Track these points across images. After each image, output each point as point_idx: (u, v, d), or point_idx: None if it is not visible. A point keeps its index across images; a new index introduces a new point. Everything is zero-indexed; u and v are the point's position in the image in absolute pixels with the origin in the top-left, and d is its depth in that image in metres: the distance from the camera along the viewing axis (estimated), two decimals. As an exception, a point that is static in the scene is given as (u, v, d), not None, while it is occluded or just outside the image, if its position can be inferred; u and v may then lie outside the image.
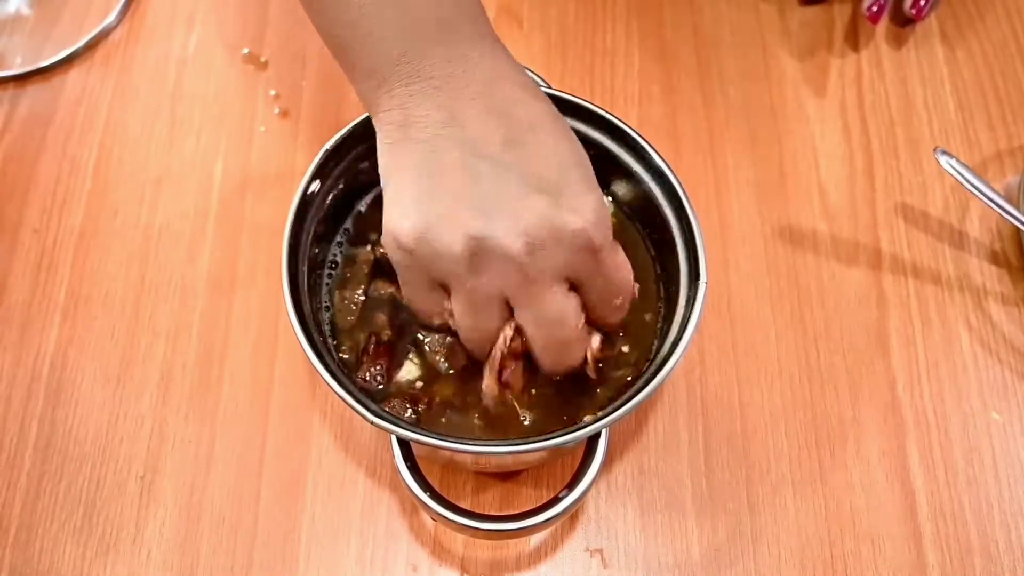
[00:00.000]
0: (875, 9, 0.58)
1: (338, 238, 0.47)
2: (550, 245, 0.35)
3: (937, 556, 0.46)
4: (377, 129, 0.38)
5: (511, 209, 0.35)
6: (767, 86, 0.59)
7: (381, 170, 0.38)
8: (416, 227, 0.36)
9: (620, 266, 0.38)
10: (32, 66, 0.59)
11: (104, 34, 0.61)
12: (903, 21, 0.61)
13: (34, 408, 0.49)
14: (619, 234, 0.46)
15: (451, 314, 0.39)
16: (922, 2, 0.58)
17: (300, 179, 0.43)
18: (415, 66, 0.36)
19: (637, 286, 0.40)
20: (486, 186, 0.35)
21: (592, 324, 0.40)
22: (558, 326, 0.37)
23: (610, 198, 0.47)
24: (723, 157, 0.57)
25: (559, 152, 0.36)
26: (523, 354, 0.40)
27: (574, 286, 0.37)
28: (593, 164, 0.39)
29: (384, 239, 0.38)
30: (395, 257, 0.38)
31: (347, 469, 0.47)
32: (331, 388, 0.38)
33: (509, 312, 0.37)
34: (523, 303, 0.37)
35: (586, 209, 0.36)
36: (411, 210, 0.36)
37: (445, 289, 0.38)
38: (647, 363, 0.42)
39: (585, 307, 0.38)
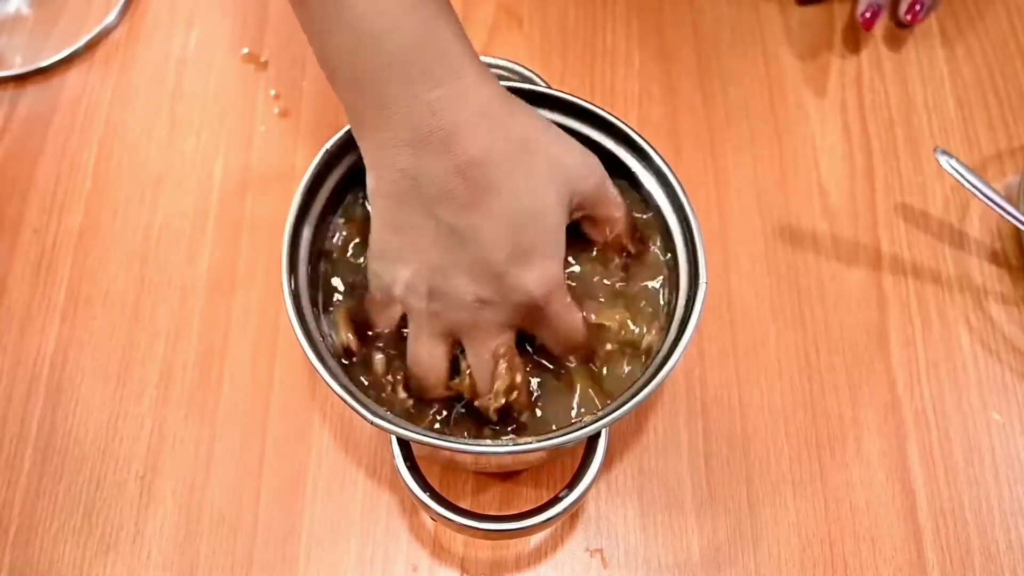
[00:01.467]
0: (868, 15, 0.58)
1: (339, 237, 0.46)
2: (497, 303, 0.39)
3: (937, 556, 0.46)
4: (364, 160, 0.41)
5: (467, 271, 0.39)
6: (767, 86, 0.59)
7: (369, 200, 0.42)
8: (388, 267, 0.41)
9: (566, 320, 0.41)
10: (32, 66, 0.59)
11: (104, 34, 0.61)
12: (898, 21, 0.61)
13: (34, 408, 0.49)
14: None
15: (396, 324, 0.43)
16: (917, 7, 0.58)
17: (300, 179, 0.43)
18: (381, 115, 0.38)
19: (583, 336, 0.42)
20: (444, 247, 0.39)
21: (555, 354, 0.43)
22: (492, 363, 0.41)
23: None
24: (723, 157, 0.57)
25: (514, 214, 0.38)
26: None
27: (525, 331, 0.42)
28: None
29: (368, 262, 0.43)
30: (372, 281, 0.43)
31: (347, 469, 0.48)
32: (331, 388, 0.38)
33: (453, 351, 0.42)
34: (468, 342, 0.41)
35: (533, 276, 0.39)
36: (384, 256, 0.41)
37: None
38: (647, 363, 0.42)
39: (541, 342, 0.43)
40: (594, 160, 0.42)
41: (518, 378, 0.41)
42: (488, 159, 0.38)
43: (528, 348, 0.43)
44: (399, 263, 0.40)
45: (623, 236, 0.44)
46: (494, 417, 0.41)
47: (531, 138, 0.39)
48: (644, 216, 0.45)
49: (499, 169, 0.38)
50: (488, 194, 0.38)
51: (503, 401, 0.41)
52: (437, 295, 0.39)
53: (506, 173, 0.38)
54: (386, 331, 0.43)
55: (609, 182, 0.43)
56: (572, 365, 0.43)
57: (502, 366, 0.40)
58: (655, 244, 0.45)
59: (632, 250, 0.44)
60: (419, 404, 0.42)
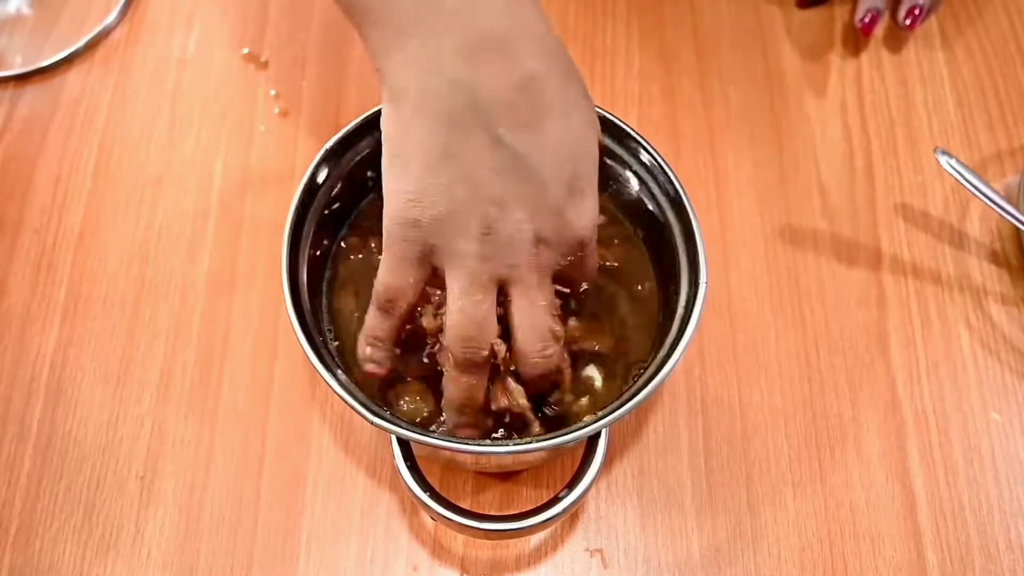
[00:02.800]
0: (867, 21, 0.58)
1: (339, 237, 0.47)
2: (553, 242, 0.37)
3: (937, 556, 0.46)
4: (384, 88, 0.36)
5: (526, 203, 0.36)
6: (767, 86, 0.59)
7: (387, 139, 0.36)
8: (431, 206, 0.35)
9: (593, 262, 0.40)
10: (32, 66, 0.59)
11: (104, 34, 0.61)
12: (897, 24, 0.61)
13: (34, 408, 0.49)
14: (618, 232, 0.46)
15: (424, 299, 0.39)
16: (916, 11, 0.58)
17: (300, 179, 0.43)
18: (433, 20, 0.34)
19: (595, 273, 0.42)
20: (505, 176, 0.35)
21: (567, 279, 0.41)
22: (544, 316, 0.38)
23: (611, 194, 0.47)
24: (723, 157, 0.57)
25: (571, 143, 0.36)
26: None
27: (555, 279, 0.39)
28: None
29: (391, 213, 0.36)
30: (401, 232, 0.36)
31: (347, 469, 0.47)
32: (331, 388, 0.38)
33: (497, 300, 0.37)
34: (520, 289, 0.37)
35: (588, 213, 0.37)
36: (430, 192, 0.35)
37: (435, 273, 0.38)
38: (647, 363, 0.42)
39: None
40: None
41: (561, 337, 0.39)
42: (545, 78, 0.35)
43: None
44: (447, 198, 0.35)
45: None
46: (530, 390, 0.39)
47: (574, 69, 0.38)
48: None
49: (555, 92, 0.36)
50: (548, 117, 0.35)
51: (546, 369, 0.38)
52: (492, 235, 0.35)
53: (561, 97, 0.36)
54: (404, 306, 0.38)
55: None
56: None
57: (554, 324, 0.38)
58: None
59: None
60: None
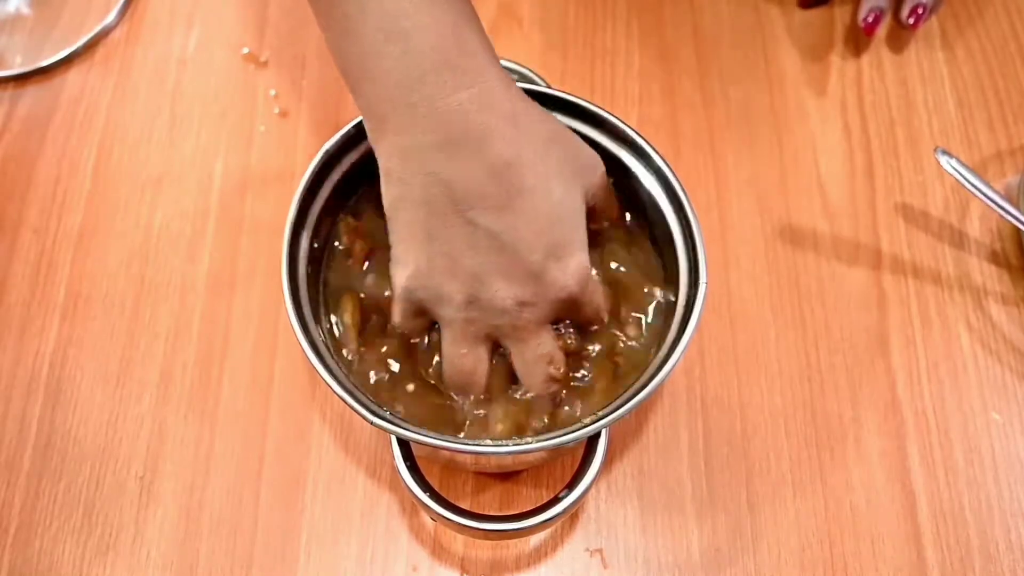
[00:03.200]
0: (870, 20, 0.58)
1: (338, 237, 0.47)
2: (538, 302, 0.39)
3: (937, 556, 0.46)
4: (383, 170, 0.40)
5: (504, 274, 0.38)
6: (767, 86, 0.59)
7: (386, 209, 0.40)
8: (420, 279, 0.40)
9: (595, 300, 0.42)
10: (32, 66, 0.59)
11: (104, 34, 0.61)
12: (900, 24, 0.61)
13: (34, 408, 0.49)
14: (618, 232, 0.46)
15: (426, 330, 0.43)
16: (919, 10, 0.58)
17: (300, 179, 0.43)
18: (410, 116, 0.37)
19: (606, 308, 0.43)
20: (481, 251, 0.38)
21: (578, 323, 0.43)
22: (543, 361, 0.41)
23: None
24: (723, 157, 0.57)
25: (547, 212, 0.39)
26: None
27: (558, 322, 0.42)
28: None
29: (393, 275, 0.41)
30: (398, 292, 0.41)
31: (347, 469, 0.47)
32: (331, 388, 0.38)
33: (494, 348, 0.41)
34: (511, 344, 0.41)
35: (569, 271, 0.39)
36: (414, 262, 0.39)
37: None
38: (647, 364, 0.42)
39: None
40: (596, 155, 0.43)
41: (565, 372, 0.42)
42: (520, 160, 0.38)
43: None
44: (433, 275, 0.39)
45: (614, 215, 0.46)
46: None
47: (552, 138, 0.40)
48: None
49: (528, 170, 0.38)
50: (521, 195, 0.38)
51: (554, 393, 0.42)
52: (475, 303, 0.39)
53: (535, 173, 0.38)
54: (413, 338, 0.43)
55: (605, 174, 0.43)
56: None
57: (551, 369, 0.41)
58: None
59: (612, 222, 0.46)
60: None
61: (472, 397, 0.42)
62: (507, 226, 0.38)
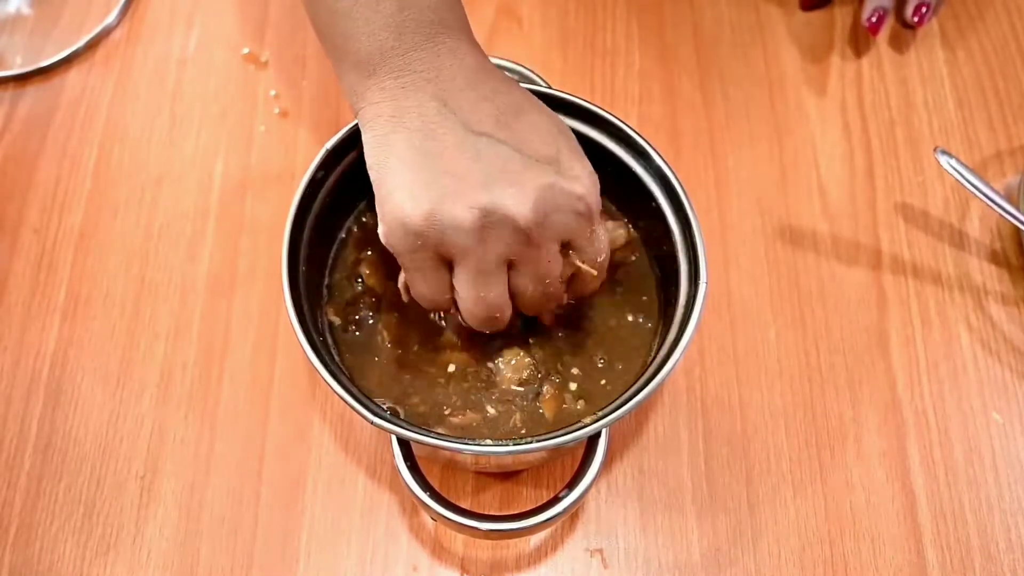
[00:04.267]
0: (875, 20, 0.58)
1: (339, 237, 0.47)
2: (554, 211, 0.37)
3: (937, 556, 0.46)
4: (364, 124, 0.39)
5: (515, 181, 0.36)
6: (767, 86, 0.59)
7: (371, 165, 0.38)
8: (424, 209, 0.36)
9: (601, 234, 0.41)
10: (32, 66, 0.59)
11: (104, 34, 0.61)
12: (904, 22, 0.61)
13: (34, 408, 0.49)
14: (619, 233, 0.46)
15: (452, 293, 0.40)
16: (924, 9, 0.58)
17: (300, 179, 0.43)
18: (406, 59, 0.38)
19: (608, 256, 0.42)
20: (487, 162, 0.37)
21: (574, 294, 0.42)
22: (548, 285, 0.39)
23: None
24: (723, 157, 0.57)
25: (548, 128, 0.39)
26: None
27: (564, 248, 0.40)
28: (593, 164, 0.39)
29: (388, 229, 0.37)
30: (402, 244, 0.38)
31: (347, 469, 0.47)
32: (331, 388, 0.38)
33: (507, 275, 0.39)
34: (525, 264, 0.38)
35: (583, 177, 0.38)
36: (417, 194, 0.36)
37: (450, 267, 0.39)
38: (647, 363, 0.42)
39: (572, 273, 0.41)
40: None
41: (561, 294, 0.41)
42: (512, 94, 0.39)
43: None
44: (439, 198, 0.36)
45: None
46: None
47: (534, 98, 0.41)
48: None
49: (523, 96, 0.39)
50: (521, 112, 0.38)
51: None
52: (490, 221, 0.36)
53: (530, 100, 0.39)
54: (445, 303, 0.40)
55: None
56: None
57: (551, 286, 0.39)
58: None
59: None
60: None
61: (500, 326, 0.40)
62: (511, 134, 0.38)
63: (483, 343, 0.44)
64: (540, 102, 0.40)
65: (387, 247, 0.38)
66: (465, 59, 0.39)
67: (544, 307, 0.41)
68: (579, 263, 0.40)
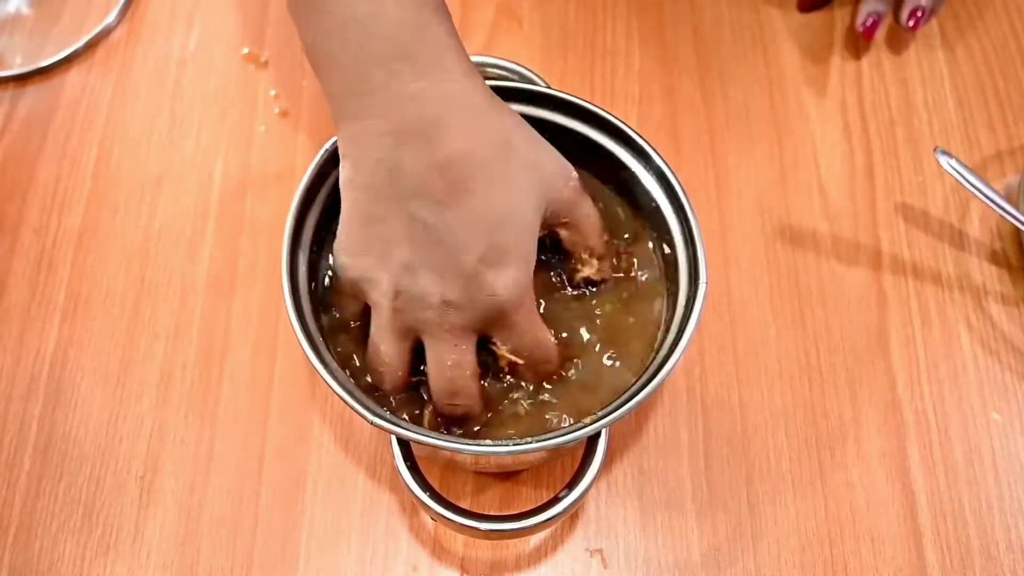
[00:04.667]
0: (869, 24, 0.58)
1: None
2: (464, 306, 0.39)
3: (937, 556, 0.46)
4: (340, 154, 0.40)
5: (435, 269, 0.38)
6: (767, 86, 0.59)
7: (341, 191, 0.41)
8: (356, 260, 0.40)
9: (531, 330, 0.41)
10: (32, 66, 0.59)
11: (104, 34, 0.61)
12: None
13: (34, 408, 0.49)
14: (618, 233, 0.46)
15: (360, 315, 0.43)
16: (919, 13, 0.58)
17: (300, 179, 0.43)
18: (367, 100, 0.38)
19: (550, 350, 0.42)
20: (417, 244, 0.38)
21: (524, 378, 0.42)
22: (451, 371, 0.40)
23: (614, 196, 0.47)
24: (723, 157, 0.57)
25: (490, 215, 0.38)
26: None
27: (489, 338, 0.41)
28: (593, 164, 0.39)
29: (333, 266, 0.42)
30: (339, 271, 0.42)
31: (347, 469, 0.47)
32: (331, 388, 0.38)
33: (414, 350, 0.41)
34: (429, 342, 0.40)
35: (502, 281, 0.38)
36: (353, 247, 0.40)
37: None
38: (647, 363, 0.42)
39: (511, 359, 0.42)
40: (569, 166, 0.42)
41: (472, 389, 0.41)
42: (469, 157, 0.38)
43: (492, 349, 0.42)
44: (367, 257, 0.39)
45: (593, 242, 0.43)
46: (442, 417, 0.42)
47: (512, 141, 0.39)
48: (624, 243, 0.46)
49: (478, 169, 0.38)
50: (465, 193, 0.38)
51: (454, 410, 0.41)
52: (403, 293, 0.39)
53: (485, 174, 0.38)
54: (351, 322, 0.43)
55: (584, 191, 0.42)
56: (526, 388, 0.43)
57: (456, 373, 0.40)
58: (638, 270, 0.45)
59: (602, 276, 0.44)
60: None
61: (386, 388, 0.42)
62: (445, 223, 0.38)
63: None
64: (499, 164, 0.39)
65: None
66: (427, 101, 0.37)
67: (449, 403, 0.41)
68: (502, 352, 0.41)
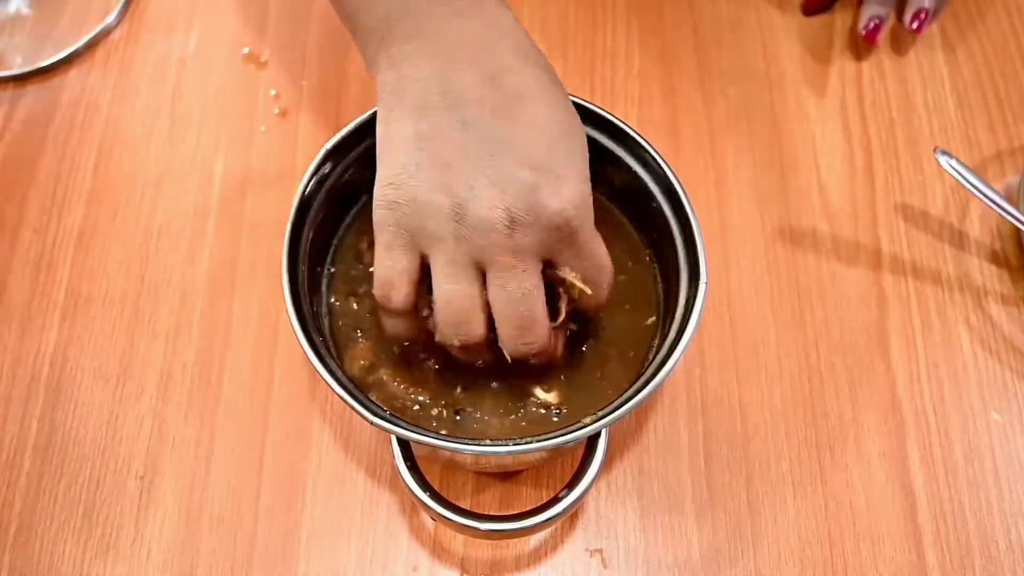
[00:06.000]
0: (871, 27, 0.58)
1: (339, 237, 0.47)
2: (529, 223, 0.36)
3: (937, 556, 0.46)
4: (378, 97, 0.38)
5: (497, 183, 0.35)
6: (767, 86, 0.59)
7: (378, 138, 0.38)
8: (408, 194, 0.36)
9: (595, 251, 0.38)
10: (32, 66, 0.59)
11: (104, 34, 0.61)
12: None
13: (34, 408, 0.49)
14: (618, 233, 0.46)
15: (414, 290, 0.39)
16: (922, 15, 0.58)
17: (300, 179, 0.43)
18: (413, 23, 0.37)
19: (610, 274, 0.39)
20: (474, 157, 0.36)
21: (580, 314, 0.40)
22: (522, 303, 0.37)
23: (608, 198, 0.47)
24: (723, 157, 0.57)
25: (549, 126, 0.37)
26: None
27: (551, 264, 0.38)
28: (593, 164, 0.39)
29: (375, 199, 0.37)
30: (383, 217, 0.37)
31: (347, 469, 0.47)
32: (331, 388, 0.38)
33: (482, 282, 0.37)
34: (495, 273, 0.36)
35: (567, 192, 0.36)
36: (403, 173, 0.36)
37: (423, 262, 0.38)
38: (647, 363, 0.42)
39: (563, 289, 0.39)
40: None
41: (545, 322, 0.38)
42: (520, 71, 0.37)
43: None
44: (421, 182, 0.36)
45: None
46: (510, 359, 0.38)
47: (550, 66, 0.39)
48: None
49: (531, 81, 0.37)
50: (522, 102, 0.36)
51: (529, 349, 0.38)
52: (466, 215, 0.35)
53: (538, 86, 0.37)
54: (400, 299, 0.38)
55: None
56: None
57: (527, 305, 0.37)
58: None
59: None
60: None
61: (474, 338, 0.38)
62: (503, 132, 0.36)
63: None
64: (553, 85, 0.38)
65: (374, 223, 0.38)
66: (477, 25, 0.37)
67: (520, 340, 0.38)
68: (565, 276, 0.38)
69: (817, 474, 0.48)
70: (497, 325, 0.37)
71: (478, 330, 0.38)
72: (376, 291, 0.39)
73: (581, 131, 0.38)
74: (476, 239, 0.36)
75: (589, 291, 0.38)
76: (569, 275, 0.38)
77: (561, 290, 0.39)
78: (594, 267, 0.38)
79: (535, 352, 0.38)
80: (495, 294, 0.37)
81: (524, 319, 0.37)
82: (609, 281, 0.40)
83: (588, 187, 0.37)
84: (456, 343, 0.38)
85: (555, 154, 0.36)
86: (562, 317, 0.39)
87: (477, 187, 0.35)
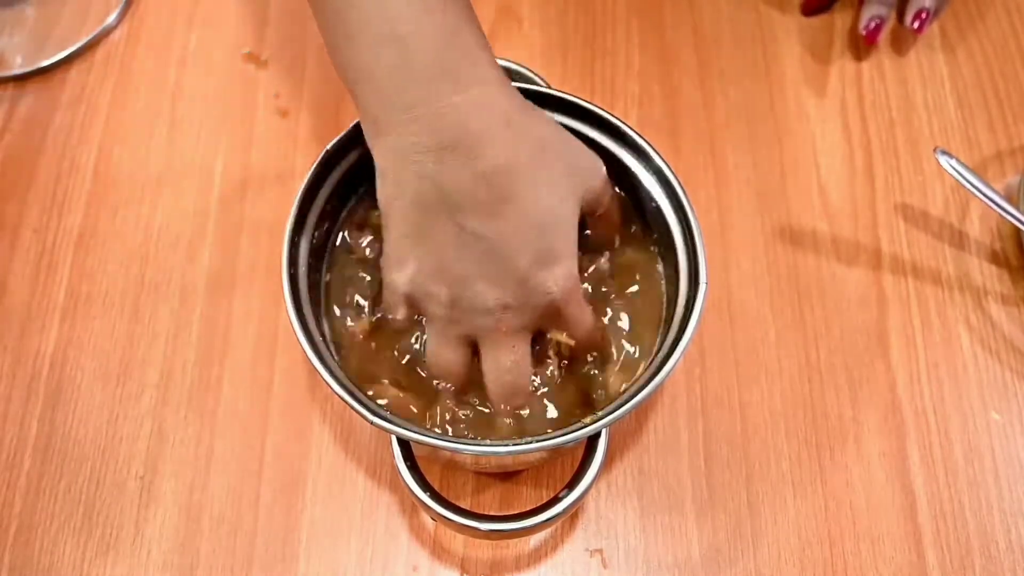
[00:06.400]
0: (872, 28, 0.58)
1: (339, 237, 0.46)
2: (520, 307, 0.39)
3: (937, 556, 0.46)
4: (376, 167, 0.40)
5: (491, 277, 0.39)
6: (767, 86, 0.59)
7: (381, 207, 0.41)
8: (410, 280, 0.40)
9: (580, 317, 0.41)
10: (32, 66, 0.59)
11: (104, 34, 0.61)
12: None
13: (34, 408, 0.49)
14: (619, 234, 0.46)
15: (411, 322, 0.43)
16: (923, 15, 0.58)
17: (300, 179, 0.43)
18: (405, 117, 0.38)
19: (597, 331, 0.43)
20: (468, 261, 0.39)
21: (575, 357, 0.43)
22: (510, 372, 0.41)
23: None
24: (723, 157, 0.57)
25: (537, 215, 0.39)
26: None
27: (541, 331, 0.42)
28: None
29: (384, 263, 0.42)
30: (387, 280, 0.42)
31: (347, 469, 0.47)
32: (331, 388, 0.38)
33: (472, 352, 0.42)
34: (487, 347, 0.41)
35: (554, 280, 0.39)
36: (405, 257, 0.40)
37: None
38: (647, 363, 0.42)
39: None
40: (598, 158, 0.43)
41: (528, 387, 0.42)
42: (511, 166, 0.38)
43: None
44: (419, 272, 0.40)
45: (615, 225, 0.45)
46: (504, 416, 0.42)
47: (548, 143, 0.40)
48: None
49: (522, 176, 0.38)
50: (511, 201, 0.38)
51: (514, 409, 0.42)
52: (459, 303, 0.39)
53: (528, 179, 0.39)
54: (400, 319, 0.43)
55: (607, 178, 0.43)
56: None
57: (515, 375, 0.41)
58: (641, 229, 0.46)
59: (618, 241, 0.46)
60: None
61: (452, 387, 0.42)
62: (495, 232, 0.38)
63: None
64: (544, 156, 0.39)
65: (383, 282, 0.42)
66: (466, 122, 0.37)
67: (507, 402, 0.42)
68: (559, 337, 0.42)
69: (817, 474, 0.48)
70: (487, 388, 0.42)
71: (458, 381, 0.42)
72: (383, 307, 0.44)
73: (569, 214, 0.40)
74: (470, 320, 0.40)
75: (573, 343, 0.42)
76: (556, 335, 0.42)
77: (549, 349, 0.42)
78: (584, 330, 0.42)
79: (516, 411, 0.42)
80: (487, 364, 0.41)
81: (514, 387, 0.41)
82: (594, 336, 0.43)
83: (573, 265, 0.40)
84: (438, 382, 0.43)
85: (543, 241, 0.39)
86: (551, 368, 0.42)
87: (473, 282, 0.39)
